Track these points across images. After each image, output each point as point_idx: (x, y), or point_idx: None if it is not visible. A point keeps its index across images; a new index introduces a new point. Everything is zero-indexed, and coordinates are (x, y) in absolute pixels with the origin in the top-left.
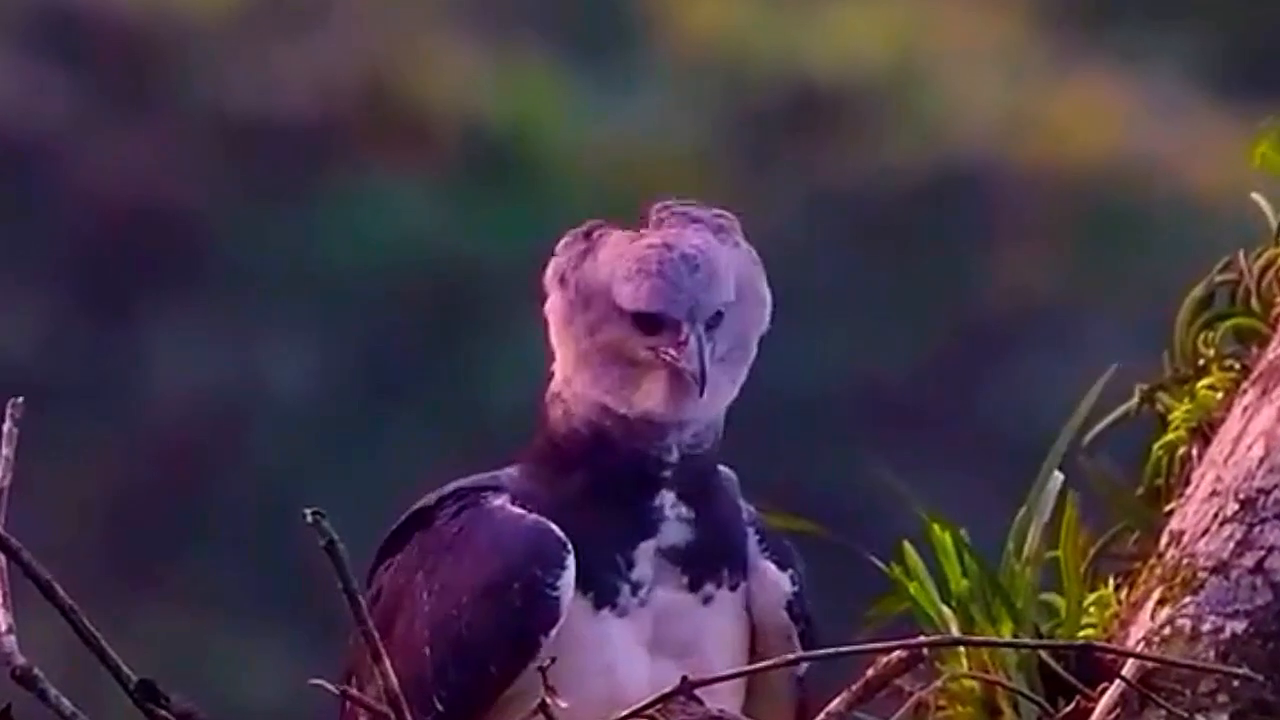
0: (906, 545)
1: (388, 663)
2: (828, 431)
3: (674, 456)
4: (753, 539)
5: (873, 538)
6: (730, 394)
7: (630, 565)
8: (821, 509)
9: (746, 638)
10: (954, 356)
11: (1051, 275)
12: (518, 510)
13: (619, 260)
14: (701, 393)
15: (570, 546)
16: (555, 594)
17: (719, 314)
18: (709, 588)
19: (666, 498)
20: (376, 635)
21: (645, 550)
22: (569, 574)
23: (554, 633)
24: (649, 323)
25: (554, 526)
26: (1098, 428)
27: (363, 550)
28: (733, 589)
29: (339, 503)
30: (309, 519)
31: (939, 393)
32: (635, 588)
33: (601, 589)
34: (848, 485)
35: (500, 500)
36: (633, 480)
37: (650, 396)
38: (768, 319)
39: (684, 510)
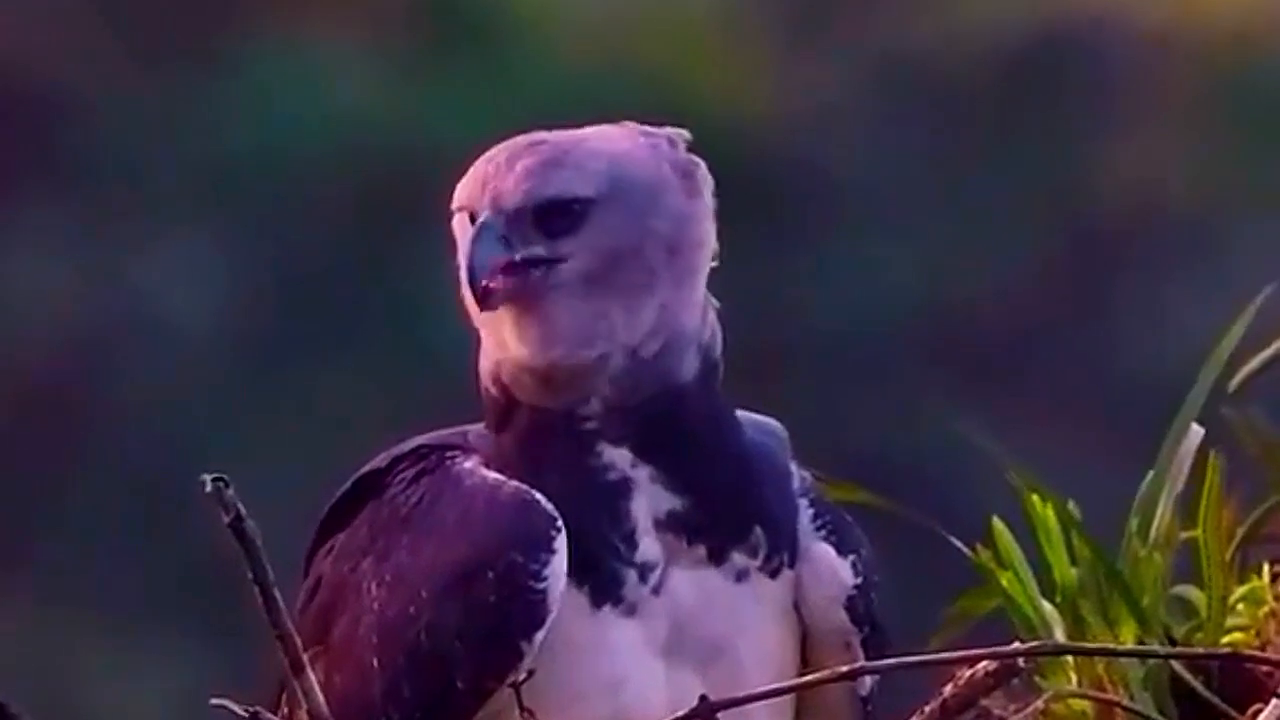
0: (997, 523)
1: (311, 677)
2: (896, 376)
3: (594, 408)
4: (805, 512)
5: (955, 513)
6: (631, 326)
7: (631, 544)
8: (889, 476)
9: (795, 642)
10: (1059, 276)
11: (1185, 169)
12: (493, 476)
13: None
14: (479, 299)
15: (561, 524)
16: (541, 585)
17: (571, 212)
18: (738, 558)
19: (618, 455)
20: (298, 641)
21: (642, 523)
22: (559, 559)
23: (540, 636)
24: None
25: (540, 498)
26: (1247, 369)
27: (280, 528)
28: (774, 573)
29: (249, 467)
30: (209, 488)
31: (1040, 324)
32: (644, 571)
33: (600, 580)
34: (922, 445)
35: (470, 463)
36: (564, 441)
37: (506, 338)
38: (701, 244)
39: (654, 471)
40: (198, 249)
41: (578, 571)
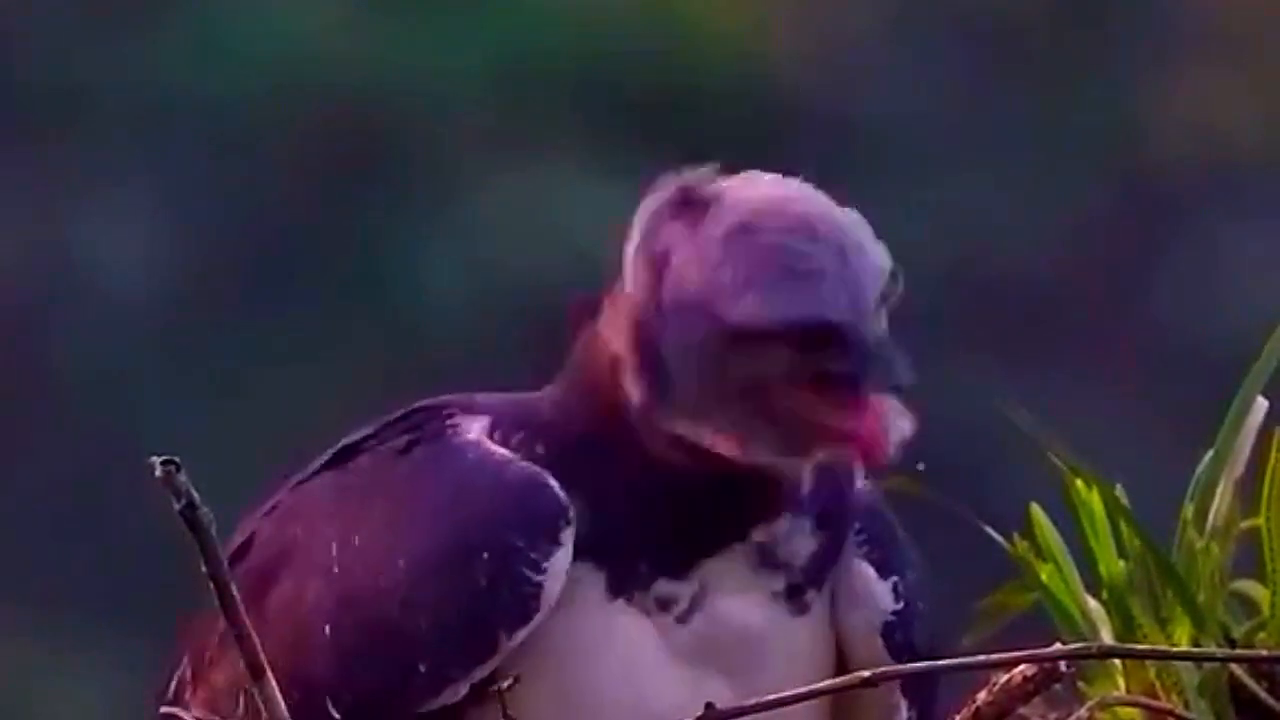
0: (1037, 510)
1: (272, 682)
2: (924, 345)
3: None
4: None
5: (990, 498)
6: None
7: (690, 565)
8: (915, 455)
9: (829, 653)
10: (1107, 233)
11: (1254, 112)
12: (500, 452)
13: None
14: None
15: (572, 515)
16: (538, 577)
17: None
18: (810, 594)
19: (790, 523)
20: (258, 642)
21: (728, 552)
22: (562, 555)
23: (522, 634)
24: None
25: (552, 482)
26: None
27: (237, 517)
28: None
29: (203, 447)
30: (158, 472)
31: (1086, 287)
32: (679, 600)
33: (621, 570)
34: (953, 423)
35: (475, 430)
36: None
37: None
38: None
39: (810, 524)
40: (138, 203)
41: (593, 553)
